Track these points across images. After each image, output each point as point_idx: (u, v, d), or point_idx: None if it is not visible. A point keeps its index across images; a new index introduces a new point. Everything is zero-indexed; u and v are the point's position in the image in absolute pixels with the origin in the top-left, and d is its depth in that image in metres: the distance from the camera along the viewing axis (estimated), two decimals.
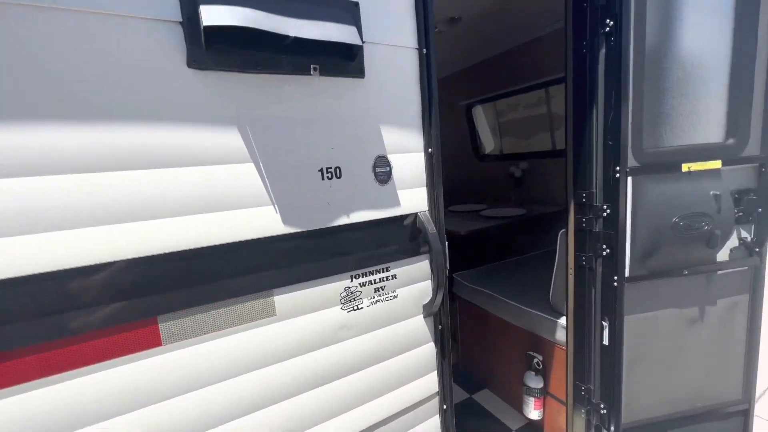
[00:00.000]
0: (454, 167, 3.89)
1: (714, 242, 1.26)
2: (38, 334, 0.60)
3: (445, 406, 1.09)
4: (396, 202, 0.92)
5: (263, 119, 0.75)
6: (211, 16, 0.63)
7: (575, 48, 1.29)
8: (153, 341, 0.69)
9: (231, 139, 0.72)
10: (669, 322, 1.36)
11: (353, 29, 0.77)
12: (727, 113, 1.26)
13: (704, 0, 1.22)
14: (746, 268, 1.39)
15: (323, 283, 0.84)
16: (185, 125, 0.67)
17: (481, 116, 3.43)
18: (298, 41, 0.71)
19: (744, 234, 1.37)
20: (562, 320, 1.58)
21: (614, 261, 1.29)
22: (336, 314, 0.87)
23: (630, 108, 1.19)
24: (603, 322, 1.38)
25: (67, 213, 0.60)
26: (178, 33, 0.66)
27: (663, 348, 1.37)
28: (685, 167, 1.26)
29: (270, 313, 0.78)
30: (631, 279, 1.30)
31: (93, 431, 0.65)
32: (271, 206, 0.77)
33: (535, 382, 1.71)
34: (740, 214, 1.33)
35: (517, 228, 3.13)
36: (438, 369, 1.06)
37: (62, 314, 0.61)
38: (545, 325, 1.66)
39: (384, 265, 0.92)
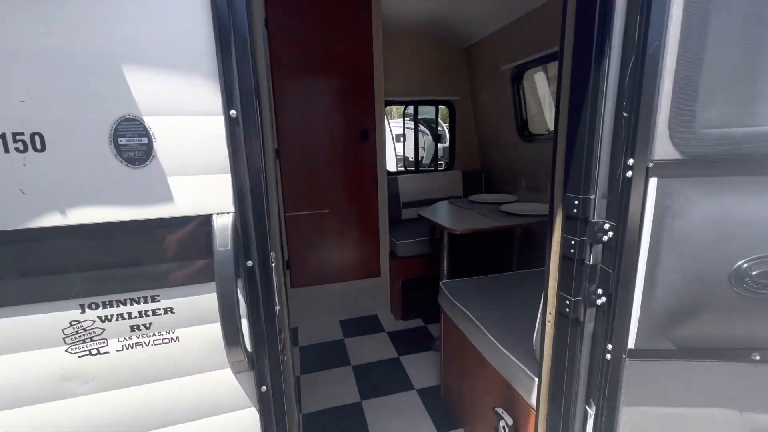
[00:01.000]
0: (491, 149, 3.25)
1: None
2: None
3: None
4: (166, 196, 0.58)
5: None
6: None
7: None
8: None
9: None
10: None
11: None
12: None
13: None
14: None
15: (28, 312, 0.55)
16: None
17: (530, 84, 2.73)
18: None
19: None
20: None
21: (611, 318, 0.77)
22: (58, 358, 0.58)
23: (676, 47, 0.63)
24: (587, 408, 0.87)
25: None
26: None
27: None
28: None
29: None
30: (638, 354, 0.76)
31: None
32: None
33: None
34: None
35: (537, 232, 2.48)
36: None
37: None
38: (520, 380, 1.18)
39: (149, 293, 0.59)
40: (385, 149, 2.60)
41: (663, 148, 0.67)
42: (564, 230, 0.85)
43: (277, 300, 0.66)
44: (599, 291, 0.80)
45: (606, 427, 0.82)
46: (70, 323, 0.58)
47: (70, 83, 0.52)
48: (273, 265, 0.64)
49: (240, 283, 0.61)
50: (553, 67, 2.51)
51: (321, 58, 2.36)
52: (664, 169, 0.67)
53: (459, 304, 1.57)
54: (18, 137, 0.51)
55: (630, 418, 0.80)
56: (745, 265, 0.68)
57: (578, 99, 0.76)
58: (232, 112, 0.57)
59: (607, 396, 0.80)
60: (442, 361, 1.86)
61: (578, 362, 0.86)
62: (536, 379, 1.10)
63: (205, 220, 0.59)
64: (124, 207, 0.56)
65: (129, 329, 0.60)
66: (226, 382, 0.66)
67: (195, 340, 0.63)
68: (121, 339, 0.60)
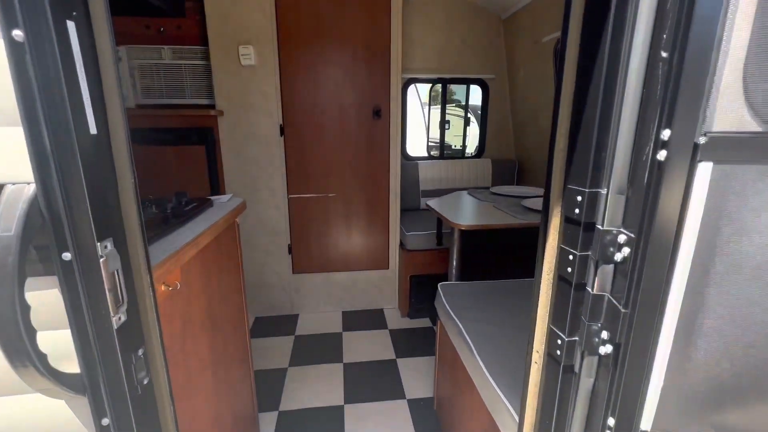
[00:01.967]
0: (528, 135, 2.86)
1: None
2: None
3: None
4: None
5: None
6: None
7: None
8: None
9: None
10: None
11: None
12: None
13: None
14: None
15: None
16: None
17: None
18: None
19: None
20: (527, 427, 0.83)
21: (618, 378, 0.50)
22: None
23: None
24: None
25: None
26: None
27: None
28: None
29: None
30: None
31: None
32: None
33: None
34: None
35: None
36: None
37: None
38: (503, 418, 0.92)
39: None
40: (399, 129, 2.35)
41: (728, 112, 0.39)
42: (561, 238, 0.58)
43: (119, 306, 0.48)
44: (604, 334, 0.53)
45: None
46: None
47: None
48: (103, 259, 0.46)
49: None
50: None
51: (332, 25, 2.14)
52: (726, 149, 0.39)
53: (453, 314, 1.32)
54: None
55: None
56: None
57: (592, 31, 0.48)
58: (16, 32, 0.38)
59: None
60: (436, 371, 1.63)
61: (568, 425, 0.60)
62: (523, 422, 0.84)
63: None
64: None
65: None
66: (53, 408, 0.50)
67: None
68: None
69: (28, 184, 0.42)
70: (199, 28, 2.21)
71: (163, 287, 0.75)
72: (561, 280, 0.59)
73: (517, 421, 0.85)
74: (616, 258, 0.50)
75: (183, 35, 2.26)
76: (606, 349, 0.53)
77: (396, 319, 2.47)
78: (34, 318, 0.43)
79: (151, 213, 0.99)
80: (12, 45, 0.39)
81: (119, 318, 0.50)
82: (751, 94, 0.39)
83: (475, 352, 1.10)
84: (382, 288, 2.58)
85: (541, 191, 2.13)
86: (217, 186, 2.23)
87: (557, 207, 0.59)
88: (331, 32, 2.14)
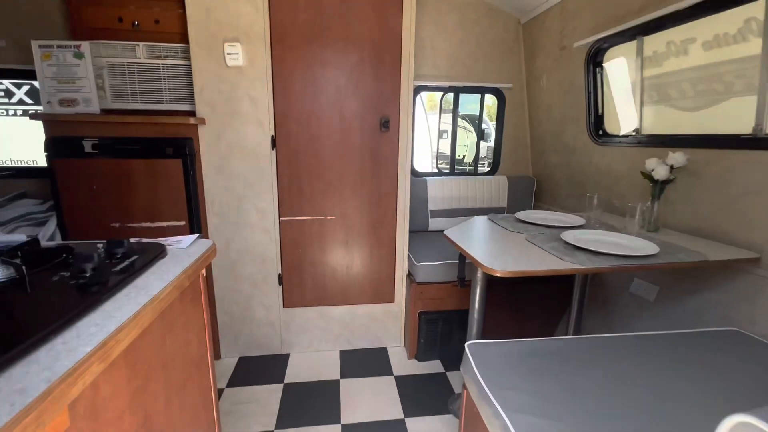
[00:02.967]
0: (549, 151, 2.57)
1: None
2: None
3: None
4: None
5: None
6: None
7: None
8: None
9: None
10: None
11: None
12: None
13: None
14: None
15: None
16: None
17: (613, 68, 2.04)
18: None
19: None
20: None
21: None
22: None
23: None
24: None
25: None
26: None
27: None
28: None
29: None
30: None
31: None
32: None
33: None
34: None
35: (617, 277, 1.85)
36: None
37: None
38: None
39: None
40: (410, 143, 2.04)
41: None
42: None
43: None
44: None
45: None
46: None
47: None
48: None
49: None
50: (651, 41, 1.80)
51: (334, 22, 1.83)
52: None
53: (487, 389, 1.00)
54: None
55: None
56: None
57: None
58: None
59: None
60: None
61: None
62: None
63: None
64: None
65: None
66: None
67: None
68: None
69: None
70: (180, 23, 1.90)
71: None
72: None
73: None
74: None
75: (161, 30, 1.95)
76: None
77: (402, 361, 2.13)
78: None
79: (54, 282, 0.66)
80: None
81: None
82: None
83: None
84: (386, 324, 2.25)
85: (572, 218, 1.82)
86: (196, 207, 1.90)
87: None
88: (333, 30, 1.84)
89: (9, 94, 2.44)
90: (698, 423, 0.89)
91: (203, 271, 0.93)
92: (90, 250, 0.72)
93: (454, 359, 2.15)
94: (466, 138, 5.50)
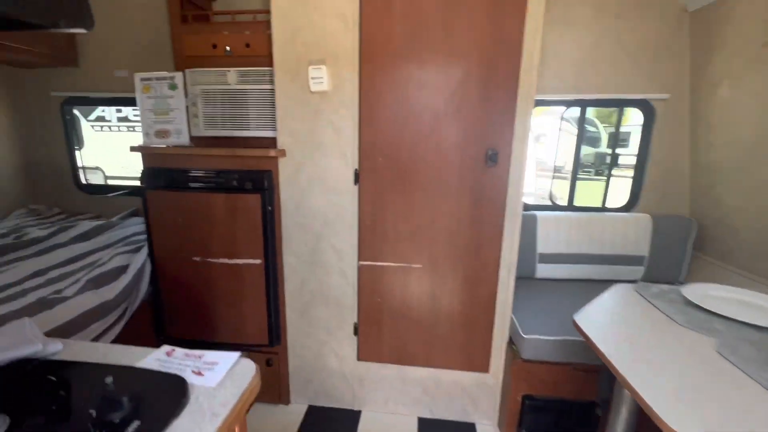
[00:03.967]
0: (724, 185, 1.83)
1: None
2: None
3: None
4: None
5: None
6: None
7: None
8: None
9: None
10: None
11: None
12: None
13: None
14: None
15: None
16: None
17: None
18: None
19: None
20: None
21: None
22: None
23: None
24: None
25: None
26: None
27: None
28: None
29: None
30: None
31: None
32: None
33: None
34: None
35: None
36: None
37: None
38: None
39: None
40: (522, 179, 1.59)
41: None
42: None
43: None
44: None
45: None
46: None
47: None
48: None
49: None
50: None
51: (435, 35, 1.49)
52: None
53: None
54: None
55: None
56: None
57: None
58: None
59: None
60: None
61: None
62: None
63: None
64: None
65: None
66: None
67: None
68: None
69: None
70: (269, 45, 1.76)
71: None
72: None
73: None
74: None
75: (251, 54, 1.84)
76: None
77: None
78: None
79: None
80: None
81: None
82: None
83: None
84: (476, 398, 1.83)
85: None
86: (272, 245, 1.75)
87: None
88: (433, 42, 1.50)
89: (127, 119, 2.65)
90: None
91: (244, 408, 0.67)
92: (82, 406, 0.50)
93: None
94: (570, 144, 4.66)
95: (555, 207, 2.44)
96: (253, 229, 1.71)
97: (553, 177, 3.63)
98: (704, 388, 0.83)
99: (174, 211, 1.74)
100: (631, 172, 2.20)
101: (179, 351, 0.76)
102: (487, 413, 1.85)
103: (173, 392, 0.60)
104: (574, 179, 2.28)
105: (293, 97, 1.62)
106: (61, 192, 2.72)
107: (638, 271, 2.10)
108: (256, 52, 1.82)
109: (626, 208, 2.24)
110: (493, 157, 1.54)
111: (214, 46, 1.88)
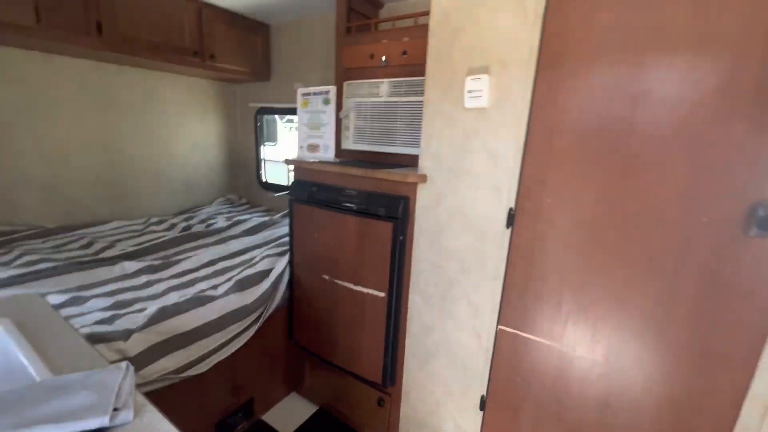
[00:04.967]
0: None
1: None
2: None
3: None
4: None
5: None
6: None
7: None
8: None
9: None
10: None
11: None
12: None
13: None
14: None
15: None
16: None
17: None
18: None
19: None
20: None
21: None
22: None
23: None
24: None
25: None
26: None
27: None
28: None
29: None
30: None
31: None
32: None
33: None
34: None
35: None
36: None
37: None
38: None
39: None
40: None
41: None
42: None
43: None
44: None
45: None
46: None
47: None
48: None
49: None
50: None
51: (674, 19, 0.94)
52: None
53: None
54: None
55: None
56: None
57: None
58: None
59: None
60: None
61: None
62: None
63: None
64: None
65: None
66: None
67: None
68: None
69: None
70: (425, 52, 1.54)
71: None
72: None
73: None
74: None
75: (408, 63, 1.66)
76: None
77: None
78: None
79: None
80: None
81: None
82: None
83: None
84: None
85: None
86: (399, 279, 1.54)
87: None
88: (665, 32, 0.95)
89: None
90: None
91: None
92: None
93: None
94: None
95: None
96: (381, 259, 1.53)
97: None
98: None
99: (311, 226, 1.73)
100: None
101: None
102: None
103: None
104: None
105: (443, 113, 1.34)
106: (248, 186, 3.24)
107: None
108: (413, 60, 1.62)
109: None
110: (764, 223, 0.88)
111: (372, 56, 1.77)
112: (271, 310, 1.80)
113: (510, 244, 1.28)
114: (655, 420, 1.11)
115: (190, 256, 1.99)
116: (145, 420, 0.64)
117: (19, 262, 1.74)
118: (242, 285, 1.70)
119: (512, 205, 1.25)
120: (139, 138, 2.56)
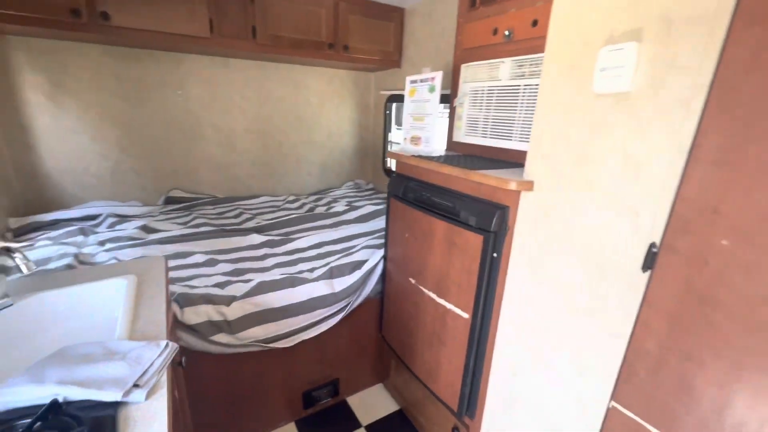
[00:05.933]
0: None
1: None
2: None
3: None
4: None
5: None
6: None
7: None
8: None
9: None
10: None
11: None
12: None
13: None
14: None
15: None
16: None
17: None
18: None
19: None
20: None
21: None
22: None
23: None
24: None
25: None
26: None
27: None
28: None
29: None
30: None
31: None
32: None
33: None
34: None
35: None
36: None
37: None
38: None
39: None
40: None
41: None
42: None
43: None
44: None
45: None
46: None
47: None
48: None
49: None
50: None
51: None
52: None
53: None
54: None
55: None
56: None
57: None
58: None
59: None
60: None
61: None
62: None
63: None
64: None
65: None
66: None
67: None
68: None
69: None
70: None
71: None
72: None
73: None
74: None
75: (537, 35, 1.34)
76: None
77: None
78: None
79: None
80: None
81: None
82: None
83: None
84: None
85: None
86: (488, 302, 1.28)
87: None
88: None
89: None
90: None
91: None
92: None
93: None
94: None
95: None
96: (468, 275, 1.30)
97: None
98: None
99: (402, 224, 1.62)
100: None
101: None
102: None
103: None
104: None
105: (562, 102, 0.99)
106: (375, 172, 3.35)
107: None
108: (543, 31, 1.26)
109: None
110: None
111: (495, 32, 1.48)
112: (359, 301, 1.80)
113: (645, 294, 0.87)
114: None
115: (304, 236, 2.17)
116: (152, 409, 0.68)
117: (192, 223, 2.24)
118: (333, 273, 1.74)
119: (656, 239, 0.83)
120: (286, 126, 2.93)
